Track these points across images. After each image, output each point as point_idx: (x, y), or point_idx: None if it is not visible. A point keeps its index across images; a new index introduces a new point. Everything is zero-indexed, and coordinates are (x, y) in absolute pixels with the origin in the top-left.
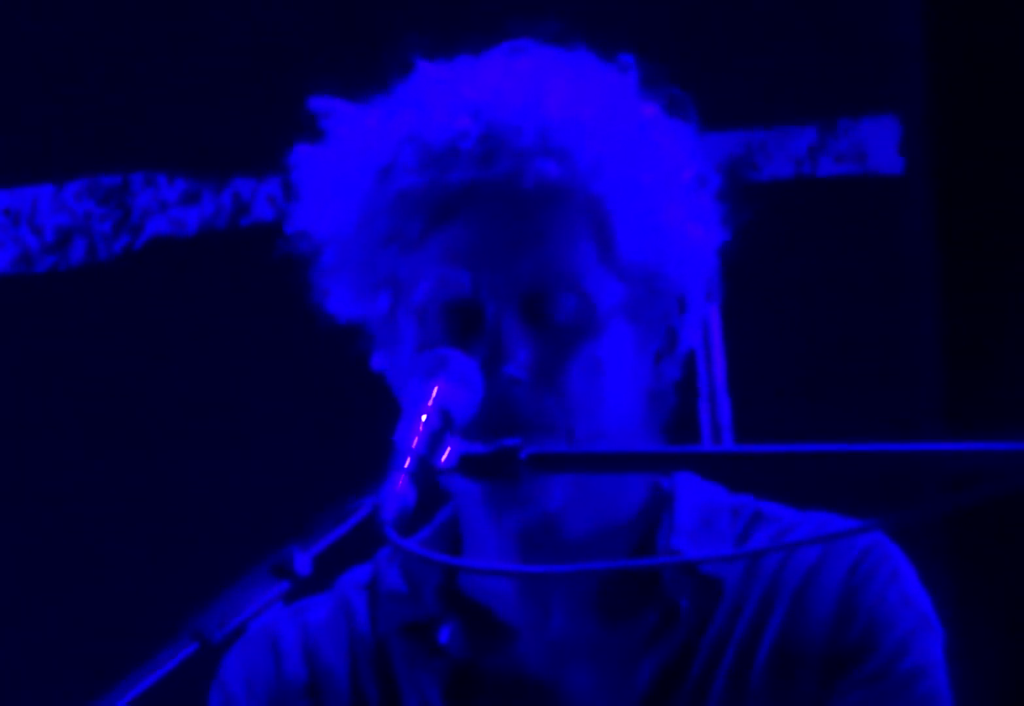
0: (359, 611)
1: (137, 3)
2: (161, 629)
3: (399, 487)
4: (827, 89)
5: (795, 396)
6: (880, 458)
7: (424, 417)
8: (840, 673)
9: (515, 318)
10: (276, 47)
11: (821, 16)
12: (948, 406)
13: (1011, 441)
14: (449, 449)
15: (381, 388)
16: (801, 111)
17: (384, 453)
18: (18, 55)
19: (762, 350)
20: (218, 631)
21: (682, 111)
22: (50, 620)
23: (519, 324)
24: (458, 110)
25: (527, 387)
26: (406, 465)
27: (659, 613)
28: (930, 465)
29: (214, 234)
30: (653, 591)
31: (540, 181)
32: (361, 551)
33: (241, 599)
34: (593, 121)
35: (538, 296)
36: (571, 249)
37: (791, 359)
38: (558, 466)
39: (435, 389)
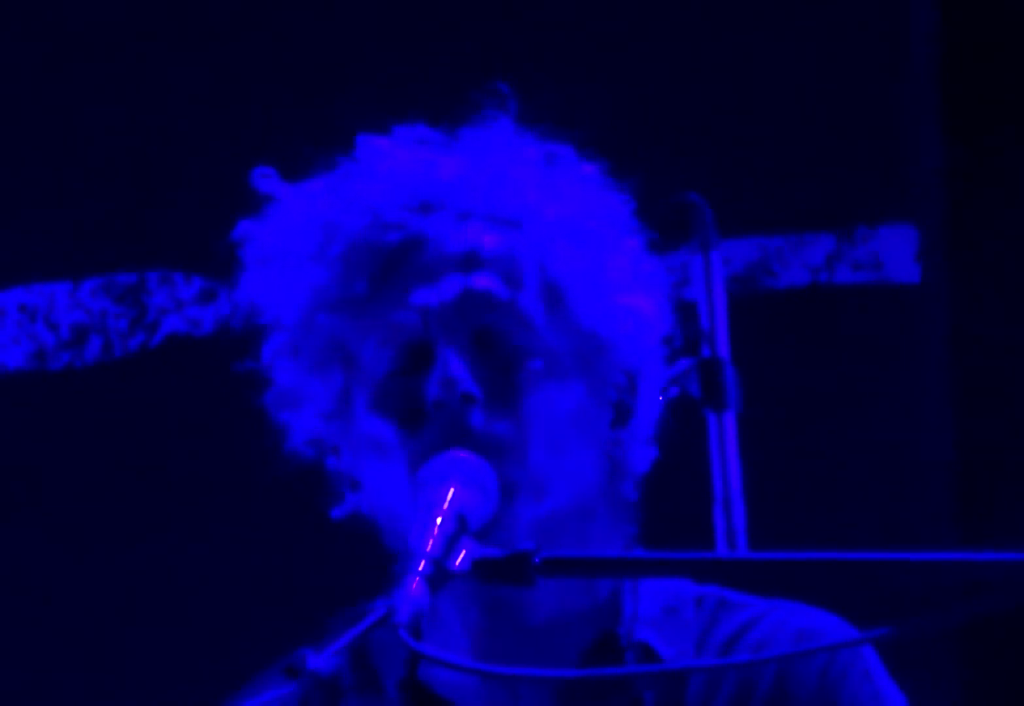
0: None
1: (152, 103)
2: None
3: (414, 590)
4: (845, 197)
5: (809, 504)
6: (891, 567)
7: (439, 520)
8: None
9: (466, 348)
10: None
11: (841, 125)
12: (961, 516)
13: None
14: (464, 552)
15: None
16: (818, 218)
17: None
18: (36, 152)
19: (777, 458)
20: None
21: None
22: None
23: (470, 351)
24: (400, 173)
25: (481, 405)
26: (421, 568)
27: (625, 705)
28: (941, 575)
29: (230, 333)
30: (619, 682)
31: (483, 237)
32: None
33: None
34: (537, 184)
35: (487, 329)
36: (519, 297)
37: (806, 467)
38: (570, 570)
39: (451, 492)
